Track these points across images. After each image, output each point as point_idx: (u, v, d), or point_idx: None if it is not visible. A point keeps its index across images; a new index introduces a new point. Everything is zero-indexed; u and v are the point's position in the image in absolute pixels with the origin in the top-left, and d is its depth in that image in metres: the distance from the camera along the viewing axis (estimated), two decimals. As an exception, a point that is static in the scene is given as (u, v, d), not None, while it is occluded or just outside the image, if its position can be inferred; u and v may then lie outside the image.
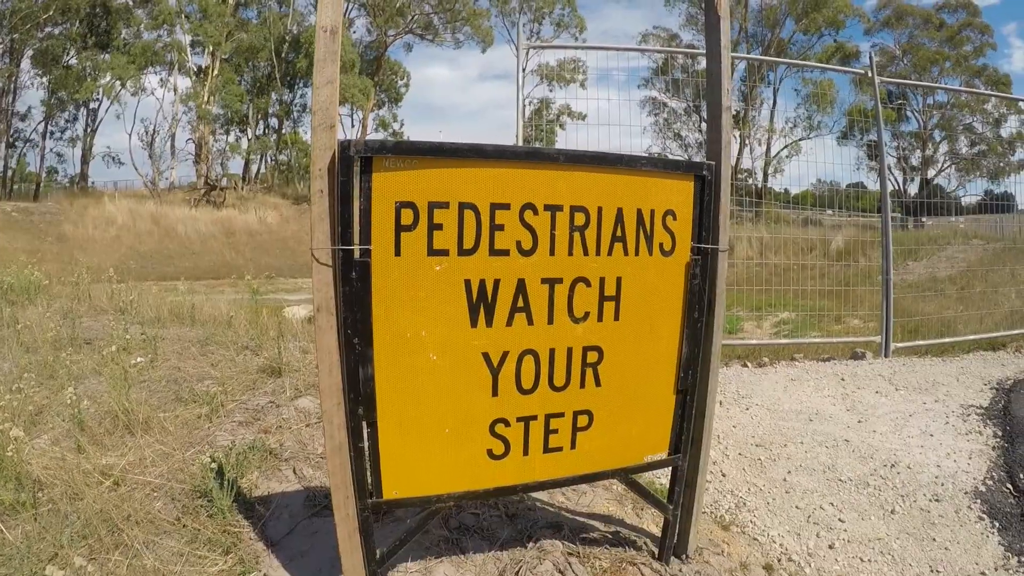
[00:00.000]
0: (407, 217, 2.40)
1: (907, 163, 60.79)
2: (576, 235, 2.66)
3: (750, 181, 55.25)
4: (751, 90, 57.50)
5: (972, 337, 9.65)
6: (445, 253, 2.48)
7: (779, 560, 3.98)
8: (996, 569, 4.12)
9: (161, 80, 48.45)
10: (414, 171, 2.40)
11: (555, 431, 2.83)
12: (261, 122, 54.07)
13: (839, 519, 4.52)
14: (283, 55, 49.58)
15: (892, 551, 4.22)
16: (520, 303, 2.62)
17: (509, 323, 2.63)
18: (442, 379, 2.60)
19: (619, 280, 2.77)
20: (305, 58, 47.99)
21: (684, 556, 3.42)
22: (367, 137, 55.66)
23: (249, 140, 52.28)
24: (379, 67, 54.73)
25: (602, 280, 2.74)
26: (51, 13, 42.25)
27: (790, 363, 8.17)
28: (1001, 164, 51.48)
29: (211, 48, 47.74)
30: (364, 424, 2.54)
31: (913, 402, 6.72)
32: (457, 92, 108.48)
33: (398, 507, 2.91)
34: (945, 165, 59.74)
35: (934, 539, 4.37)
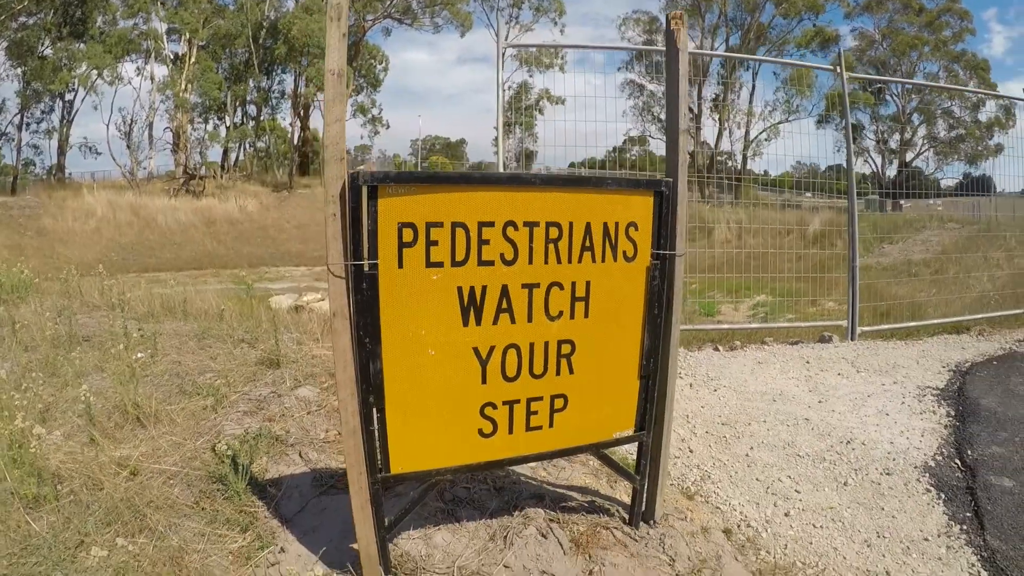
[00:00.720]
0: (408, 235, 2.83)
1: (886, 146, 61.63)
2: (551, 246, 3.11)
3: (730, 163, 55.83)
4: (730, 74, 58.13)
5: (937, 321, 10.09)
6: (440, 265, 2.92)
7: (738, 526, 4.43)
8: (939, 535, 4.55)
9: (138, 69, 48.19)
10: (413, 196, 2.82)
11: (535, 412, 3.28)
12: (239, 109, 53.76)
13: (795, 490, 4.95)
14: (260, 41, 49.20)
15: (843, 519, 4.64)
16: (504, 305, 3.07)
17: (495, 322, 3.08)
18: (439, 371, 3.04)
19: (588, 283, 3.23)
20: (284, 44, 47.74)
21: (651, 521, 3.90)
22: (356, 134, 55.35)
23: (227, 128, 52.03)
24: (357, 52, 54.44)
25: (573, 284, 3.20)
26: (25, 3, 41.75)
27: (759, 347, 8.60)
28: (979, 148, 52.59)
29: (188, 35, 47.33)
30: (374, 410, 2.97)
31: (872, 383, 7.17)
32: (436, 76, 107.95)
33: (404, 481, 3.30)
34: (923, 148, 60.74)
35: (883, 508, 4.80)
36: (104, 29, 46.34)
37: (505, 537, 3.59)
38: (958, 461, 5.60)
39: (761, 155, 57.97)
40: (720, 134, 60.64)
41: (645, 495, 3.87)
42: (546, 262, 3.14)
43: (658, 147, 60.43)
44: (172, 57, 48.68)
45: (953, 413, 6.51)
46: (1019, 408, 6.66)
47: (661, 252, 3.41)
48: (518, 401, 3.27)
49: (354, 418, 2.97)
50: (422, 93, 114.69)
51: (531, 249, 3.09)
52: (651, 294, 3.42)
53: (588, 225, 3.20)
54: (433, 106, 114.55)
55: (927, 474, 5.33)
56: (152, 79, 48.15)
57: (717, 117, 60.43)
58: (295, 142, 55.33)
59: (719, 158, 57.25)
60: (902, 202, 22.87)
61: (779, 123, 54.32)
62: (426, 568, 3.39)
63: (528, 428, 3.32)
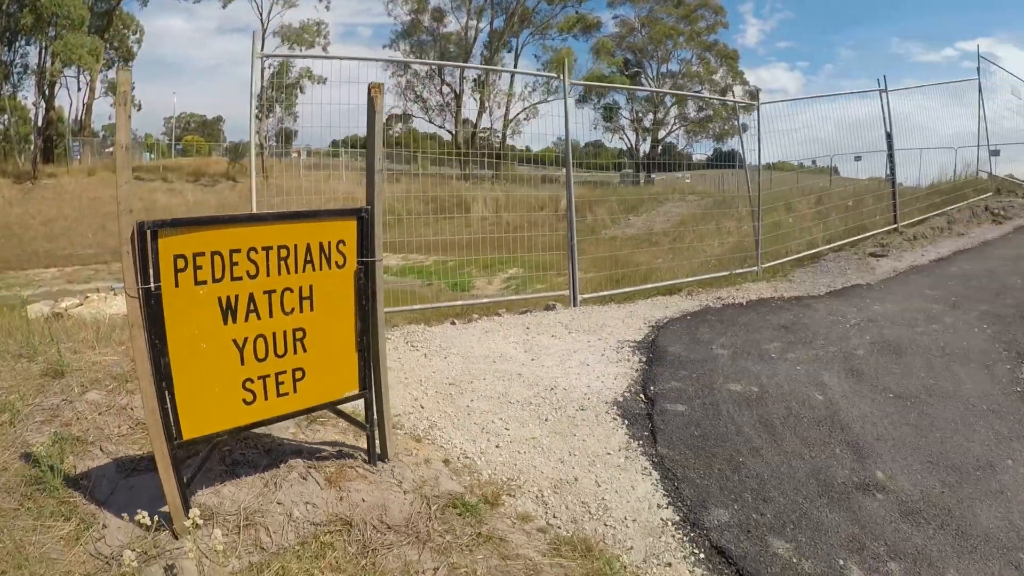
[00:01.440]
0: (181, 263, 4.10)
1: (640, 124, 67.43)
2: (282, 263, 4.49)
3: (493, 140, 58.75)
4: (493, 55, 60.98)
5: (652, 285, 12.02)
6: (205, 283, 4.20)
7: (457, 457, 5.90)
8: (620, 450, 6.31)
9: None
10: (183, 235, 4.11)
11: (283, 383, 4.64)
12: (-26, 86, 50.53)
13: (505, 428, 6.52)
14: (5, 8, 45.93)
15: (542, 445, 6.27)
16: (252, 307, 4.41)
17: (246, 320, 4.40)
18: (209, 359, 4.31)
19: (311, 286, 4.65)
20: (31, 13, 44.80)
21: (385, 459, 5.39)
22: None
23: (-38, 109, 48.78)
24: (110, 22, 52.25)
25: (300, 287, 4.60)
26: None
27: (491, 318, 10.16)
28: (726, 127, 59.22)
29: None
30: (166, 393, 4.09)
31: (580, 341, 8.94)
32: (193, 46, 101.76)
33: (195, 444, 4.44)
34: (675, 127, 67.39)
35: (575, 435, 6.49)
36: None
37: (275, 483, 4.80)
38: (642, 395, 7.47)
39: (520, 133, 61.64)
40: (481, 113, 63.63)
41: (377, 440, 5.35)
42: (279, 274, 4.49)
43: (421, 124, 62.45)
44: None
45: (644, 359, 8.41)
46: (700, 352, 8.69)
47: (364, 259, 4.90)
48: (269, 375, 4.56)
49: (152, 400, 4.05)
50: (178, 64, 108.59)
51: (268, 266, 4.42)
52: (359, 290, 4.91)
53: (308, 245, 4.62)
54: (190, 79, 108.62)
55: (615, 407, 7.11)
56: None
57: (479, 97, 63.27)
58: (39, 124, 52.01)
59: (481, 135, 59.96)
60: (653, 176, 25.63)
61: (538, 103, 57.76)
62: (219, 512, 4.48)
63: (279, 395, 4.62)
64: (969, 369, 8.71)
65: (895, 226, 17.48)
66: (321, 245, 4.73)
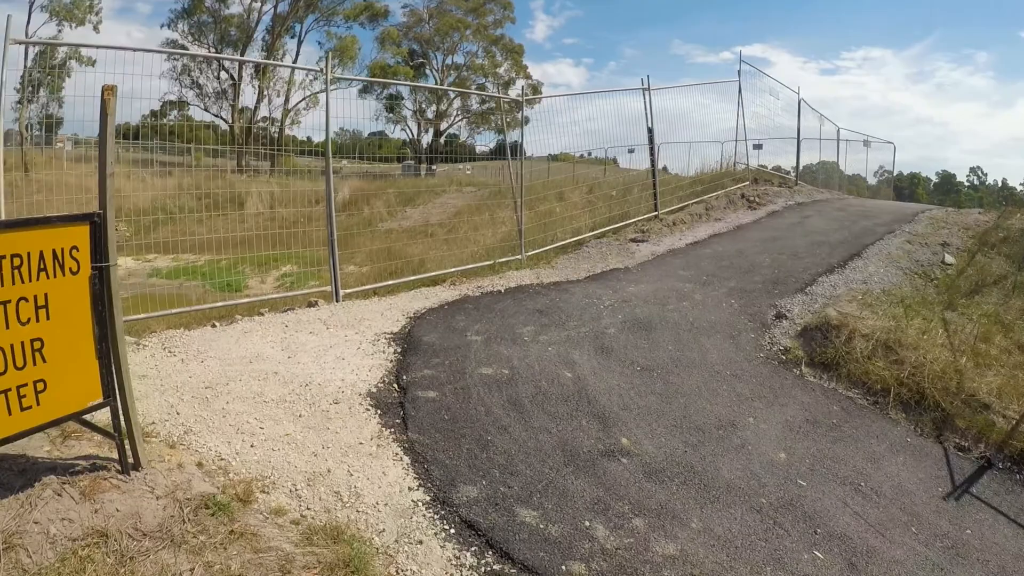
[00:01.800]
0: None
1: (423, 115, 69.57)
2: (16, 272, 4.50)
3: (271, 130, 58.49)
4: (275, 40, 60.60)
5: (417, 277, 12.51)
6: None
7: (212, 460, 6.06)
8: (372, 439, 6.77)
9: None
10: None
11: (25, 396, 4.64)
12: None
13: (260, 427, 6.75)
14: None
15: (296, 441, 6.58)
16: None
17: None
18: None
19: (47, 295, 4.69)
20: None
21: (139, 468, 5.51)
22: None
23: None
24: None
25: (35, 296, 4.63)
26: None
27: (252, 318, 10.32)
28: (508, 120, 62.52)
29: None
30: None
31: (337, 336, 9.32)
32: None
33: None
34: (458, 118, 69.72)
35: (329, 428, 6.86)
36: None
37: (31, 502, 4.83)
38: (395, 385, 7.97)
39: (299, 123, 61.65)
40: (259, 102, 62.89)
41: (128, 448, 5.47)
42: (14, 283, 4.46)
43: (196, 112, 61.25)
44: None
45: (400, 350, 8.92)
46: (454, 340, 9.30)
47: (98, 264, 5.00)
48: (10, 389, 4.50)
49: None
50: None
51: (1, 276, 4.45)
52: (95, 296, 4.99)
53: (42, 252, 4.66)
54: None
55: (368, 398, 7.57)
56: None
57: (257, 84, 62.58)
58: None
59: (259, 125, 59.38)
60: (435, 167, 26.44)
61: (318, 92, 57.91)
62: (-25, 540, 4.44)
63: (22, 409, 4.59)
64: (715, 340, 9.77)
65: (656, 213, 19.15)
66: (54, 252, 4.77)
